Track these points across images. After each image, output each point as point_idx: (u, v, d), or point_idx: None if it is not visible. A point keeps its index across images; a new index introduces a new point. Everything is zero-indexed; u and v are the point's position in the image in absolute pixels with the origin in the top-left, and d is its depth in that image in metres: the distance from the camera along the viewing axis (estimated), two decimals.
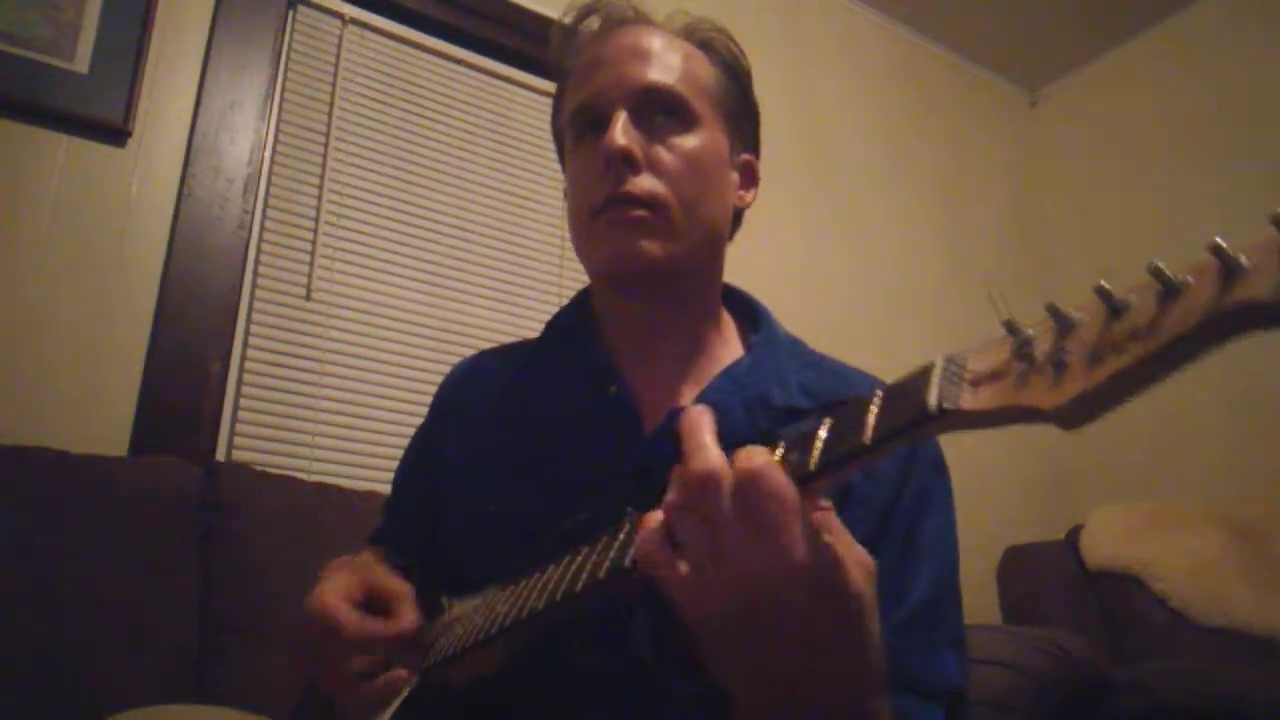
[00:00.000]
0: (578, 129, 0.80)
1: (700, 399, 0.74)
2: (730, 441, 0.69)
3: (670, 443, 0.70)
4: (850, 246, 2.69)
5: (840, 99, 2.80)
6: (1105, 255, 2.92)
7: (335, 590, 0.71)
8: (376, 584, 0.73)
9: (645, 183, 0.74)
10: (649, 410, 0.76)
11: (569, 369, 0.82)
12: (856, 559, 0.46)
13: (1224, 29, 2.78)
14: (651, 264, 0.75)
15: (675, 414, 0.72)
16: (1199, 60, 2.83)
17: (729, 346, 0.83)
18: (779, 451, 0.47)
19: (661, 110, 0.78)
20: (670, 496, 0.47)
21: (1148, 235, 2.80)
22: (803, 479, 0.44)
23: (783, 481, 0.43)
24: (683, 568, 0.45)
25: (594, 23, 0.84)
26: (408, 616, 0.71)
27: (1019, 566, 2.34)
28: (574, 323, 0.87)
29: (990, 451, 2.63)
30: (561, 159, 0.89)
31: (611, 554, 0.54)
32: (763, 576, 0.43)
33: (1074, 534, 2.35)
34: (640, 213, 0.74)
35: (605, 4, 0.85)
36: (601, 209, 0.75)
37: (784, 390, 0.76)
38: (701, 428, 0.47)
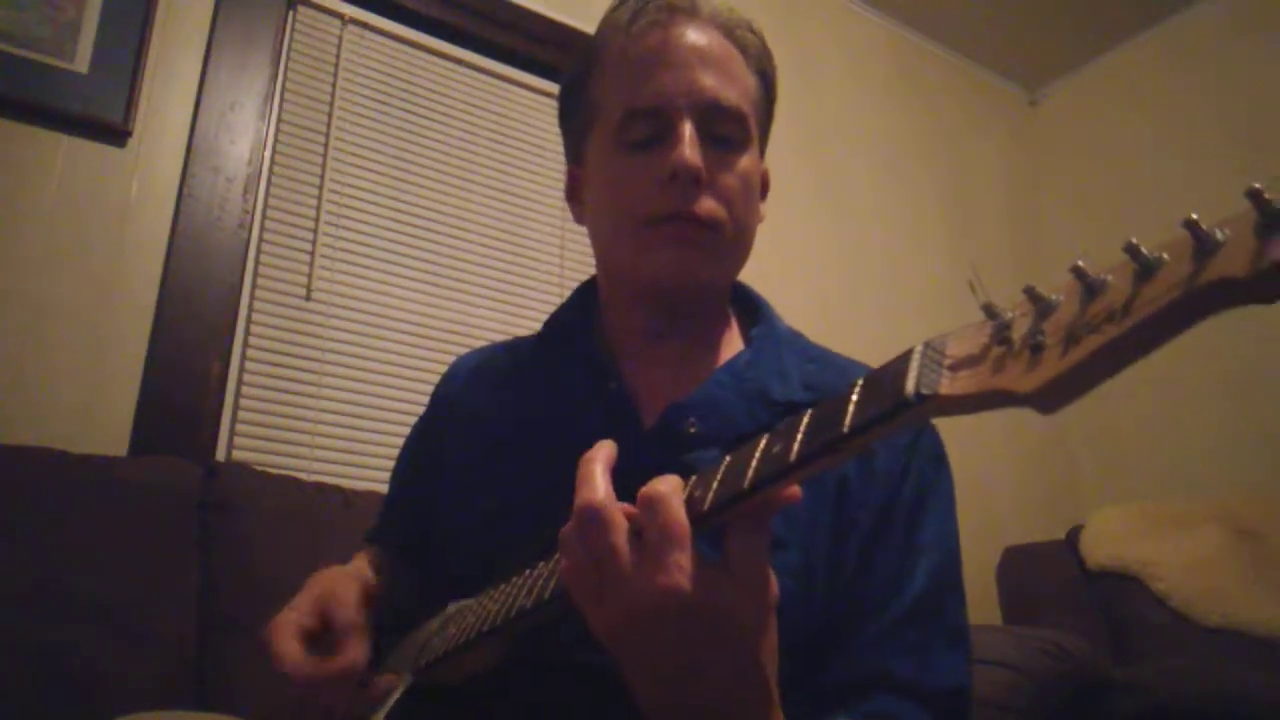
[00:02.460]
0: (631, 129, 0.75)
1: (700, 394, 0.73)
2: (730, 437, 0.69)
3: (668, 439, 0.71)
4: (849, 245, 2.69)
5: (840, 99, 2.80)
6: (1105, 254, 2.91)
7: (289, 620, 0.72)
8: (331, 614, 0.74)
9: (710, 205, 0.73)
10: (648, 407, 0.76)
11: (569, 365, 0.81)
12: (748, 585, 0.48)
13: (1223, 30, 2.78)
14: (703, 285, 0.76)
15: (672, 410, 0.72)
16: (1199, 60, 2.83)
17: (730, 341, 0.82)
18: (760, 447, 0.47)
19: (725, 128, 0.75)
20: (566, 528, 0.50)
21: (1148, 235, 2.80)
22: (783, 471, 0.45)
23: (676, 514, 0.47)
24: (582, 590, 0.49)
25: (650, 7, 0.77)
26: (350, 653, 0.72)
27: (1019, 566, 2.34)
28: (575, 318, 0.86)
29: (990, 451, 2.63)
30: (576, 137, 0.84)
31: None
32: (644, 600, 0.46)
33: (1074, 534, 2.35)
34: (702, 233, 0.73)
35: None
36: (662, 222, 0.73)
37: (784, 384, 0.75)
38: (594, 460, 0.51)
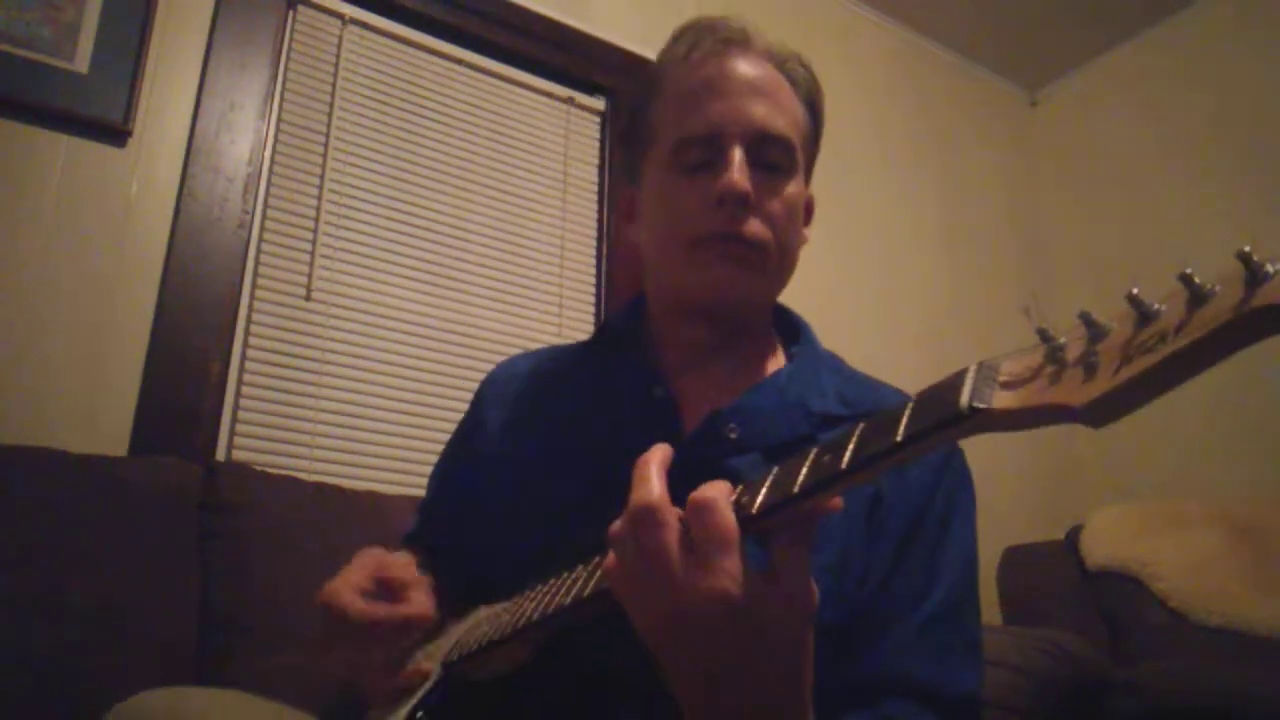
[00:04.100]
0: (684, 154, 0.80)
1: (742, 403, 0.76)
2: (770, 443, 0.73)
3: (709, 443, 0.73)
4: (848, 246, 2.69)
5: (839, 99, 2.78)
6: (1105, 255, 2.92)
7: (344, 581, 0.73)
8: (387, 574, 0.75)
9: (756, 227, 0.77)
10: (691, 415, 0.78)
11: (616, 371, 0.84)
12: (791, 595, 0.49)
13: (1223, 30, 2.78)
14: (747, 302, 0.80)
15: (714, 416, 0.75)
16: (1198, 60, 2.83)
17: (774, 360, 0.86)
18: (810, 457, 0.49)
19: (773, 155, 0.79)
20: (618, 525, 0.51)
21: (1147, 235, 2.81)
22: (833, 477, 0.46)
23: (726, 518, 0.48)
24: (629, 586, 0.50)
25: (706, 41, 0.82)
26: (418, 601, 0.73)
27: (1019, 566, 2.34)
28: (627, 327, 0.89)
29: (990, 452, 2.63)
30: (635, 160, 0.88)
31: None
32: (691, 601, 0.48)
33: (1074, 534, 2.35)
34: (748, 253, 0.77)
35: (718, 23, 0.83)
36: (710, 241, 0.77)
37: (821, 398, 0.79)
38: (650, 461, 0.52)
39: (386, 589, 0.74)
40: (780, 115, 0.80)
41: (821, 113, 0.87)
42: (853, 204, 2.73)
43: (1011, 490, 2.73)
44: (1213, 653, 1.92)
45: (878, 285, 2.70)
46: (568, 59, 2.25)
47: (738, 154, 0.77)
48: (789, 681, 0.50)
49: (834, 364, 0.86)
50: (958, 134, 3.07)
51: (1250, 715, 1.42)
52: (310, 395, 1.77)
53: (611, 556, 0.52)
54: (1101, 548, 2.23)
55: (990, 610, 2.32)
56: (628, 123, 0.90)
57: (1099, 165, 3.06)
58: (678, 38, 0.85)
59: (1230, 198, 2.57)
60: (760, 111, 0.79)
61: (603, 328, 0.91)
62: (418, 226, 1.98)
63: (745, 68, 0.80)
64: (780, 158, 0.80)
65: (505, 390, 0.92)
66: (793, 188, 0.81)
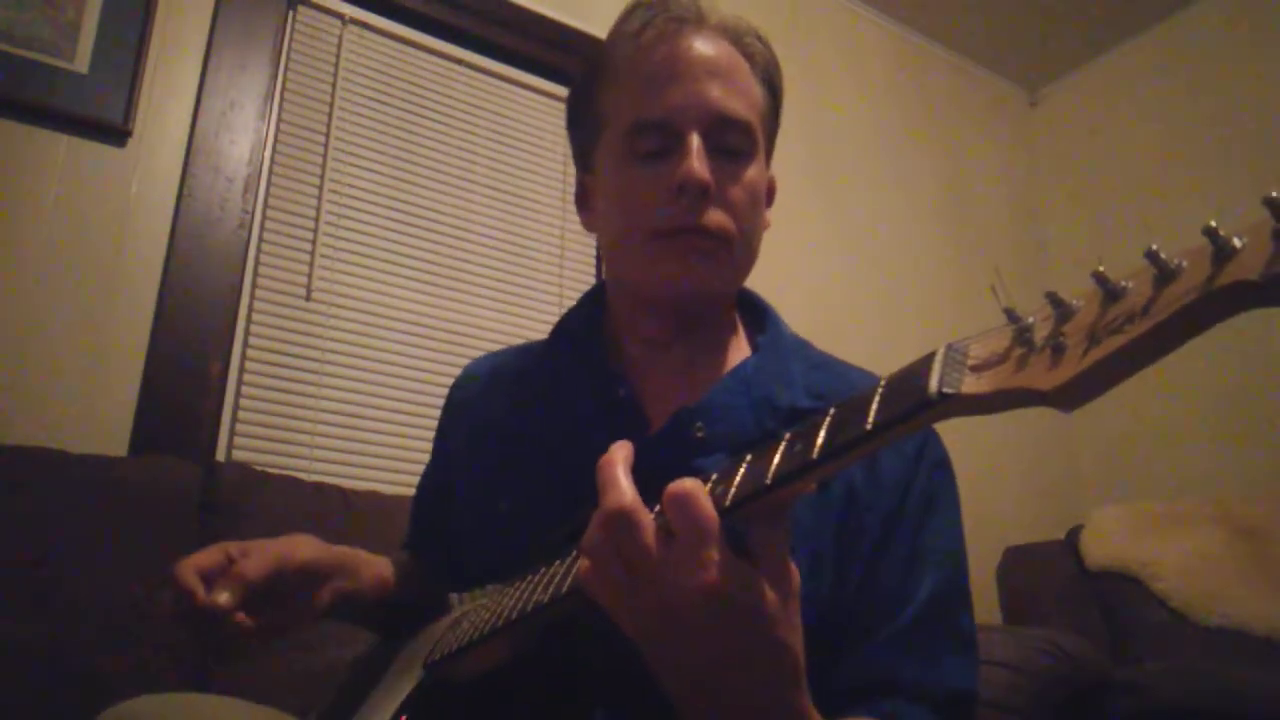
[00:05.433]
0: (639, 141, 0.76)
1: (706, 401, 0.74)
2: (737, 442, 0.71)
3: (676, 443, 0.72)
4: (849, 246, 2.69)
5: (840, 99, 2.80)
6: (1105, 255, 2.92)
7: (192, 560, 0.71)
8: (239, 560, 0.71)
9: (718, 217, 0.74)
10: (656, 412, 0.76)
11: (579, 370, 0.82)
12: (775, 575, 0.49)
13: (1222, 30, 2.78)
14: (711, 294, 0.77)
15: (680, 416, 0.73)
16: (1198, 60, 2.83)
17: (737, 347, 0.83)
18: (781, 446, 0.48)
19: (732, 139, 0.76)
20: (590, 532, 0.50)
21: (1147, 234, 2.80)
22: (805, 467, 0.46)
23: (706, 508, 0.47)
24: (611, 591, 0.50)
25: (657, 19, 0.78)
26: (216, 594, 0.69)
27: (1019, 566, 2.34)
28: (583, 324, 0.86)
29: (991, 452, 2.63)
30: (585, 145, 0.84)
31: None
32: (679, 596, 0.47)
33: (1074, 534, 2.35)
34: (710, 245, 0.74)
35: (669, 2, 0.79)
36: (670, 235, 0.74)
37: (789, 391, 0.76)
38: (615, 463, 0.51)
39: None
40: (738, 97, 0.76)
41: (780, 89, 0.82)
42: (854, 204, 2.73)
43: (1011, 490, 2.73)
44: (1213, 653, 1.92)
45: (879, 284, 2.70)
46: (568, 59, 2.25)
47: (695, 141, 0.73)
48: (779, 660, 0.50)
49: (802, 351, 0.82)
50: (958, 134, 3.07)
51: (1250, 715, 1.42)
52: (310, 395, 1.77)
53: (587, 565, 0.50)
54: (1101, 548, 2.24)
55: (990, 610, 2.32)
56: (576, 106, 0.85)
57: (1099, 165, 3.06)
58: (627, 15, 0.80)
59: (1230, 197, 2.57)
60: (717, 94, 0.75)
61: (559, 327, 0.87)
62: (418, 226, 1.98)
63: (700, 47, 0.76)
64: (740, 142, 0.76)
65: (469, 394, 0.91)
66: (753, 172, 0.77)
